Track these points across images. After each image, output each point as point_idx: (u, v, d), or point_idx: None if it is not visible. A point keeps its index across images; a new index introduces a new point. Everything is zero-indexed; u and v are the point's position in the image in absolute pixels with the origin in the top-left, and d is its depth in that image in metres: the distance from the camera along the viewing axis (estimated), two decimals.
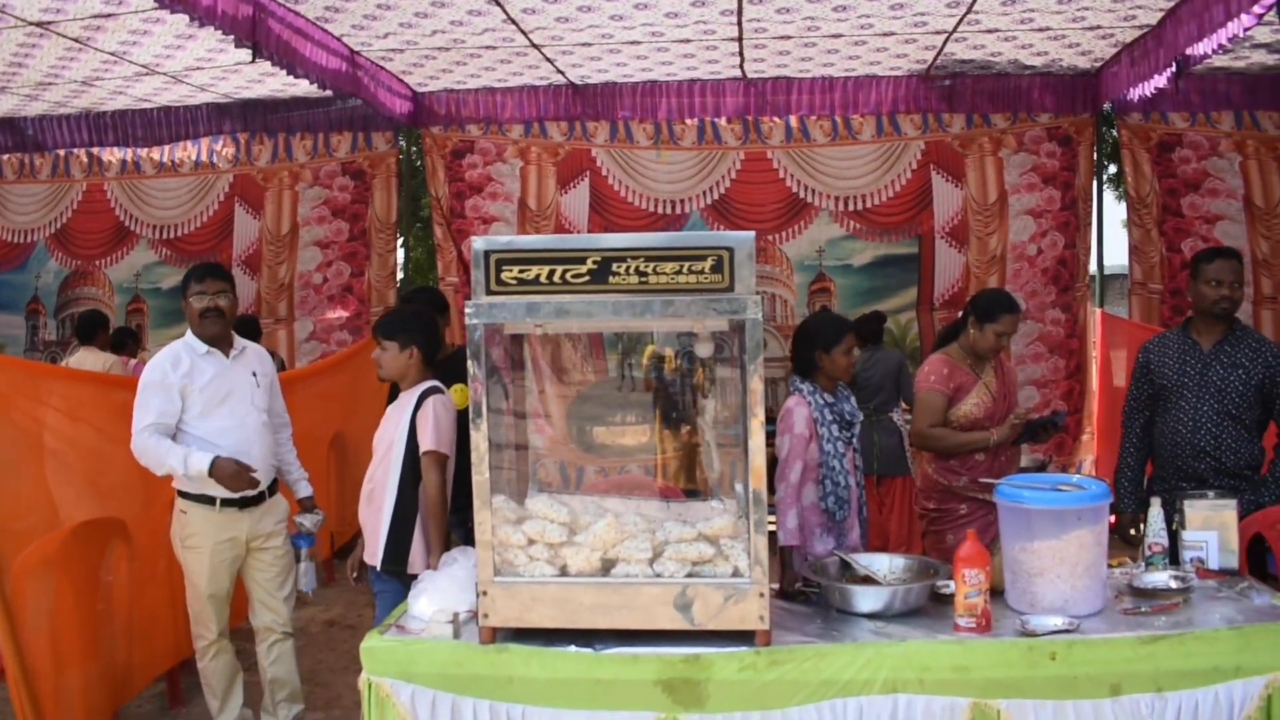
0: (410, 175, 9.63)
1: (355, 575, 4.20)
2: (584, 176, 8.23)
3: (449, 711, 3.01)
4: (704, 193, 8.16)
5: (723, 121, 8.11)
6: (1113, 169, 11.87)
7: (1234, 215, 7.88)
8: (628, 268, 2.95)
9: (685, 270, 2.94)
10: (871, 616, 3.17)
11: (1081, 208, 7.97)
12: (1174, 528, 3.53)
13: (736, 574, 2.99)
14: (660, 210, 8.17)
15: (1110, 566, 3.54)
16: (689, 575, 3.01)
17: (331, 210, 8.62)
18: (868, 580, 3.36)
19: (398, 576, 3.88)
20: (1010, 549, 3.21)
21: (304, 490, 4.54)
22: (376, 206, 8.58)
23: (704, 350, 3.20)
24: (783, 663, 2.93)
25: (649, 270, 2.94)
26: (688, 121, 8.10)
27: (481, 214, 8.26)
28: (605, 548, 3.05)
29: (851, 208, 8.09)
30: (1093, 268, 8.24)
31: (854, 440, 3.81)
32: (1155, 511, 3.51)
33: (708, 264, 2.93)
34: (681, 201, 8.17)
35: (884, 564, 3.45)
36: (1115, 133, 8.10)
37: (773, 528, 3.56)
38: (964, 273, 7.99)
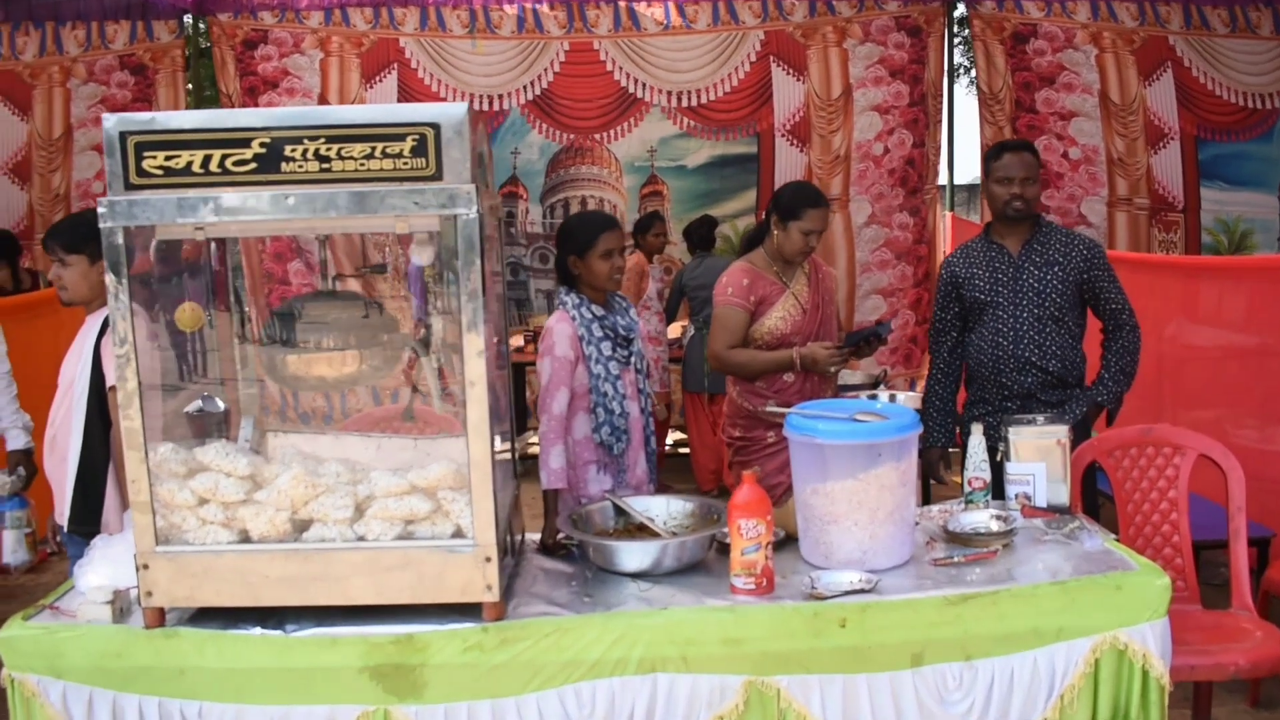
0: (206, 71, 8.66)
1: (57, 539, 3.49)
2: (391, 69, 7.42)
3: (109, 712, 2.44)
4: (525, 87, 7.44)
5: (544, 8, 7.37)
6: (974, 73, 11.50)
7: (1089, 112, 7.53)
8: (305, 152, 2.31)
9: (378, 153, 2.31)
10: (637, 576, 2.64)
11: (931, 104, 7.50)
12: (999, 459, 3.06)
13: (459, 534, 2.42)
14: (477, 107, 7.40)
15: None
16: (401, 537, 2.43)
17: (110, 110, 7.61)
18: (642, 529, 2.82)
19: (90, 538, 3.18)
20: (802, 490, 2.69)
21: (16, 440, 3.78)
22: (161, 105, 7.61)
23: (422, 257, 2.57)
24: (516, 641, 2.38)
25: (331, 154, 2.31)
26: (506, 8, 7.36)
27: None
28: (294, 506, 2.45)
29: (685, 103, 7.47)
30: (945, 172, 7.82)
31: (633, 358, 3.21)
32: (976, 440, 3.00)
33: (407, 145, 2.30)
34: (500, 97, 7.44)
35: (662, 508, 2.91)
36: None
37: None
38: (806, 173, 7.45)
